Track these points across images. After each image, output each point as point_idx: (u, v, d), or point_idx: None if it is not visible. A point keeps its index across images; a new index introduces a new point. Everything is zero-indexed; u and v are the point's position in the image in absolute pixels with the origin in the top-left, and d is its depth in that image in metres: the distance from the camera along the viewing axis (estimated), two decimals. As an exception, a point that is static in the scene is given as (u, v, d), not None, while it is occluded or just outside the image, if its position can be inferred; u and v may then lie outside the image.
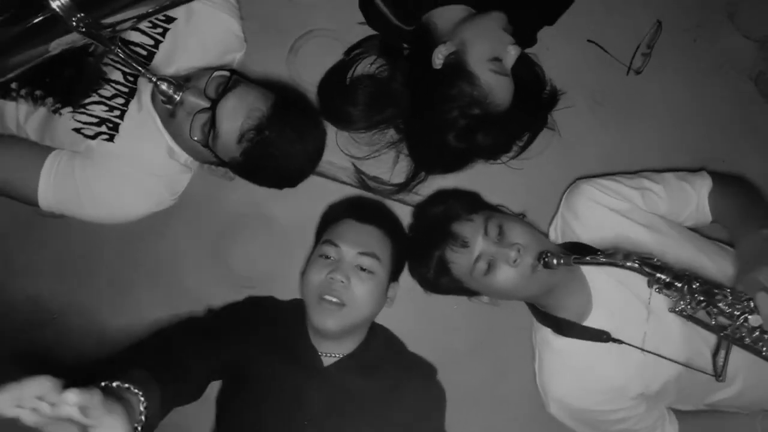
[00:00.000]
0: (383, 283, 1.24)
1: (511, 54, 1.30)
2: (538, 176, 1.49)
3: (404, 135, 1.44)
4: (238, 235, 1.46)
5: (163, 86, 1.12)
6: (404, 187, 1.46)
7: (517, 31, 1.42)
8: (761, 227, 1.12)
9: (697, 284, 0.96)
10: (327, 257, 1.23)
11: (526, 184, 1.49)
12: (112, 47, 1.02)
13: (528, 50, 1.50)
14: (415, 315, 1.44)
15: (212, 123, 1.15)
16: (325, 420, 1.19)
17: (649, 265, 0.98)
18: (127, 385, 0.78)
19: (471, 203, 1.32)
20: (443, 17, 1.41)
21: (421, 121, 1.38)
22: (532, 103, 1.44)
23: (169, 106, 1.15)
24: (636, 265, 0.98)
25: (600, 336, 1.20)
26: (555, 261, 1.13)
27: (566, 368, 1.26)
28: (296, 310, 1.28)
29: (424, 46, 1.38)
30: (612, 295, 1.24)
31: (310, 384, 1.21)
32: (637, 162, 1.49)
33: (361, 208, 1.34)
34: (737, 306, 0.94)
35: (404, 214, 1.47)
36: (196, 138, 1.16)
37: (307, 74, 1.50)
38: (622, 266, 1.00)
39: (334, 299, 1.18)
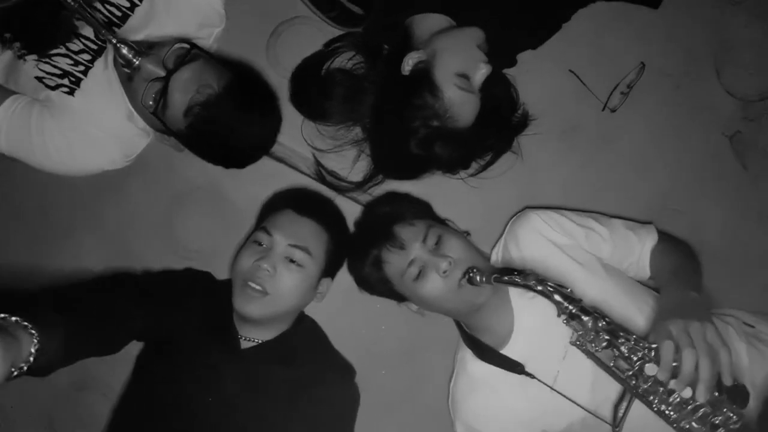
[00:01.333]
0: (312, 278, 1.25)
1: (480, 72, 1.30)
2: (493, 198, 1.49)
3: (368, 135, 1.45)
4: (189, 207, 1.49)
5: (124, 50, 1.15)
6: (360, 186, 1.47)
7: (497, 51, 1.43)
8: (690, 290, 1.11)
9: (604, 323, 0.96)
10: (259, 244, 1.24)
11: (480, 203, 1.50)
12: (74, 3, 1.04)
13: (506, 71, 1.51)
14: (349, 314, 1.45)
15: (164, 93, 1.16)
16: (233, 401, 1.21)
17: (560, 293, 0.98)
18: (25, 323, 0.79)
19: (418, 210, 1.33)
20: (423, 24, 1.41)
21: (385, 123, 1.39)
22: (500, 124, 1.45)
23: (127, 70, 1.17)
24: (546, 291, 0.98)
25: (514, 367, 1.21)
26: (479, 278, 1.14)
27: (477, 393, 1.27)
28: (228, 290, 1.30)
29: (400, 50, 1.39)
30: (534, 328, 1.24)
31: (225, 364, 1.23)
32: (595, 198, 1.49)
33: (303, 201, 1.34)
34: (638, 352, 0.94)
35: (354, 211, 1.48)
36: (146, 104, 1.18)
37: (286, 60, 1.50)
38: (533, 289, 1.00)
39: (258, 287, 1.19)
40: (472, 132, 1.36)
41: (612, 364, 0.96)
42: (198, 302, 1.29)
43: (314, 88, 1.47)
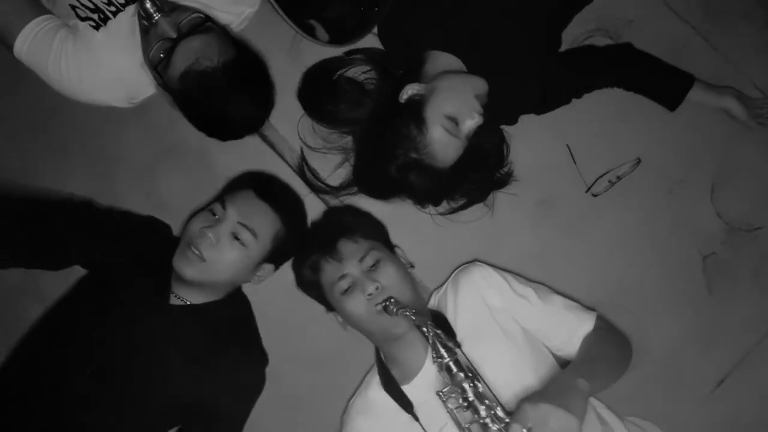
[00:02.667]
0: (252, 259, 1.31)
1: (470, 121, 1.34)
2: (454, 241, 1.52)
3: (356, 147, 1.51)
4: (178, 165, 1.55)
5: (147, 4, 1.23)
6: (334, 191, 1.52)
7: (499, 106, 1.46)
8: (584, 378, 1.12)
9: (473, 385, 0.98)
10: (213, 214, 1.30)
11: (441, 242, 1.52)
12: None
13: (505, 127, 1.55)
14: (287, 307, 1.49)
15: (169, 54, 1.24)
16: (146, 348, 1.27)
17: (441, 342, 1.01)
18: None
19: (369, 230, 1.36)
20: (436, 61, 1.46)
21: (371, 141, 1.44)
22: (482, 175, 1.48)
23: (145, 23, 1.26)
24: (429, 334, 1.02)
25: (406, 405, 1.23)
26: (392, 308, 1.17)
27: (367, 417, 1.29)
28: (176, 247, 1.36)
29: (407, 78, 1.44)
30: (439, 375, 1.25)
31: (150, 314, 1.30)
32: (551, 272, 1.48)
33: (268, 186, 1.39)
34: (495, 424, 0.96)
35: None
36: (152, 60, 1.26)
37: (306, 57, 1.57)
38: (419, 328, 1.03)
39: (197, 252, 1.25)
40: (451, 173, 1.41)
41: (467, 427, 0.98)
42: (147, 249, 1.37)
43: (322, 89, 1.54)
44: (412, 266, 1.42)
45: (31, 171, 1.56)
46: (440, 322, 1.30)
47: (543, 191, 1.55)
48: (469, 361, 1.05)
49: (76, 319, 1.30)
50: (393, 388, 1.26)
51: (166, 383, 1.27)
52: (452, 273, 1.42)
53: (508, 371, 1.23)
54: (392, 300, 1.19)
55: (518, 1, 1.41)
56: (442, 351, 1.00)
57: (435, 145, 1.33)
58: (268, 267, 1.37)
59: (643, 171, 1.53)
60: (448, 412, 1.00)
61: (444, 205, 1.50)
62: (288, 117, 1.54)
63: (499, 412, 0.97)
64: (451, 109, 1.33)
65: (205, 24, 1.27)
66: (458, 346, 1.05)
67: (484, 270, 1.35)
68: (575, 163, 1.53)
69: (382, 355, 1.35)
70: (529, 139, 1.53)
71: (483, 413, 0.97)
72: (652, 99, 1.52)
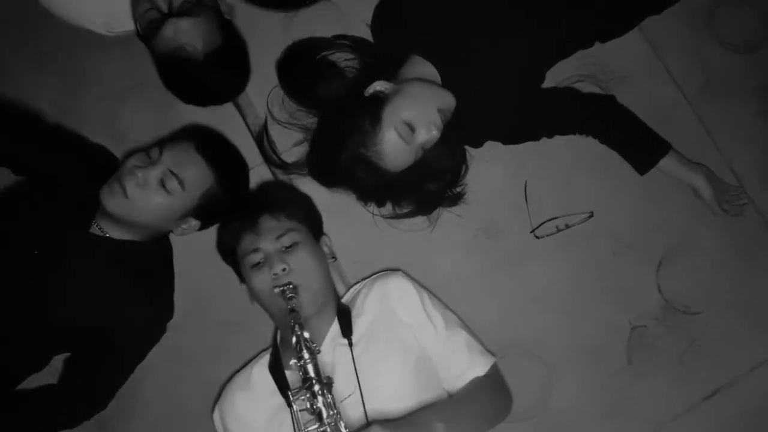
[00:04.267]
0: (175, 209, 1.29)
1: (426, 132, 1.33)
2: (388, 245, 1.50)
3: (314, 129, 1.51)
4: (144, 97, 1.54)
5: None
6: (286, 166, 1.52)
7: (466, 126, 1.45)
8: (445, 422, 1.12)
9: (323, 393, 0.98)
10: (148, 156, 1.29)
11: (375, 243, 1.51)
12: None
13: (468, 148, 1.53)
14: (209, 268, 1.49)
15: (156, 27, 1.29)
16: (54, 268, 1.28)
17: (306, 343, 1.01)
18: None
19: (297, 211, 1.35)
20: (414, 66, 1.45)
21: (328, 125, 1.44)
22: (434, 189, 1.47)
23: None
24: (297, 333, 1.01)
25: (283, 387, 1.21)
26: (288, 294, 1.18)
27: (245, 393, 1.29)
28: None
29: (381, 73, 1.44)
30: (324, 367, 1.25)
31: (68, 237, 1.30)
32: (471, 301, 1.46)
33: (210, 142, 1.37)
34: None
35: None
36: (139, 25, 1.32)
37: (296, 31, 1.57)
38: (292, 327, 1.03)
39: (122, 187, 1.24)
40: (401, 178, 1.40)
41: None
42: (82, 173, 1.38)
43: (301, 65, 1.54)
44: (334, 258, 1.42)
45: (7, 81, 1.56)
46: (344, 315, 1.30)
47: (488, 220, 1.52)
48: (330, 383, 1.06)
49: None
50: (277, 370, 1.26)
51: (63, 306, 1.28)
52: (373, 275, 1.41)
53: (391, 384, 1.22)
54: (290, 286, 1.18)
55: (509, 30, 1.39)
56: (305, 352, 1.00)
57: (385, 146, 1.32)
58: (194, 222, 1.37)
59: (593, 226, 1.51)
60: (291, 412, 1.00)
61: (388, 209, 1.50)
62: (262, 84, 1.54)
63: (342, 428, 0.98)
64: (408, 116, 1.32)
65: (197, 6, 1.29)
66: (318, 353, 1.05)
67: (402, 282, 1.34)
68: (527, 200, 1.51)
69: (278, 336, 1.35)
70: (488, 165, 1.52)
71: (325, 422, 0.97)
72: (624, 157, 1.48)
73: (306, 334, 1.03)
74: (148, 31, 1.31)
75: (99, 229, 1.34)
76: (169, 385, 1.45)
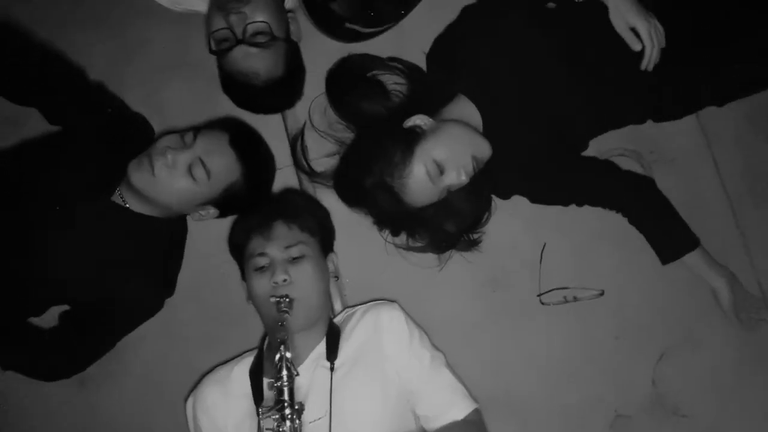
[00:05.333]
0: (197, 196, 1.33)
1: (454, 176, 1.33)
2: (393, 275, 1.50)
3: (348, 145, 1.51)
4: (192, 76, 1.58)
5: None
6: (313, 174, 1.53)
7: (496, 177, 1.44)
8: None
9: (293, 418, 1.00)
10: (182, 138, 1.32)
11: (380, 269, 1.51)
12: None
13: (497, 198, 1.51)
14: (219, 257, 1.51)
15: (226, 50, 1.36)
16: (64, 226, 1.31)
17: (287, 366, 1.02)
18: None
19: (312, 224, 1.35)
20: (459, 106, 1.44)
21: (362, 147, 1.45)
22: (451, 230, 1.46)
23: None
24: (281, 352, 1.03)
25: (257, 396, 1.23)
26: (282, 307, 1.19)
27: (221, 388, 1.30)
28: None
29: (424, 108, 1.43)
30: (303, 384, 1.26)
31: (87, 198, 1.33)
32: (465, 347, 1.45)
33: (244, 138, 1.39)
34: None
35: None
36: (212, 41, 1.37)
37: (354, 46, 1.58)
38: (278, 344, 1.05)
39: (151, 165, 1.27)
40: (421, 212, 1.40)
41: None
42: (117, 137, 1.41)
43: (350, 78, 1.55)
44: (337, 277, 1.43)
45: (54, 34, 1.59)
46: (333, 337, 1.31)
47: (498, 272, 1.51)
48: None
49: (25, 166, 1.37)
50: (256, 377, 1.27)
51: (69, 264, 1.31)
52: (370, 301, 1.42)
53: (362, 414, 1.22)
54: (287, 300, 1.20)
55: (562, 93, 1.38)
56: (284, 372, 1.02)
57: (410, 181, 1.32)
58: (213, 211, 1.40)
59: (601, 304, 1.48)
60: (258, 427, 1.02)
61: (401, 239, 1.50)
62: (308, 90, 1.55)
63: None
64: (440, 156, 1.32)
65: (267, 42, 1.34)
66: (297, 375, 1.06)
67: (395, 314, 1.33)
68: (541, 263, 1.49)
69: (265, 342, 1.36)
70: (511, 218, 1.50)
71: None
72: (649, 243, 1.45)
73: (289, 355, 1.04)
74: (218, 50, 1.37)
75: (121, 198, 1.37)
76: (155, 360, 1.49)
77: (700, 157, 1.55)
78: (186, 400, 1.35)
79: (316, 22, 1.55)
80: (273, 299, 1.21)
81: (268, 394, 1.22)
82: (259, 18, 1.34)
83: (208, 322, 1.50)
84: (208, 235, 1.49)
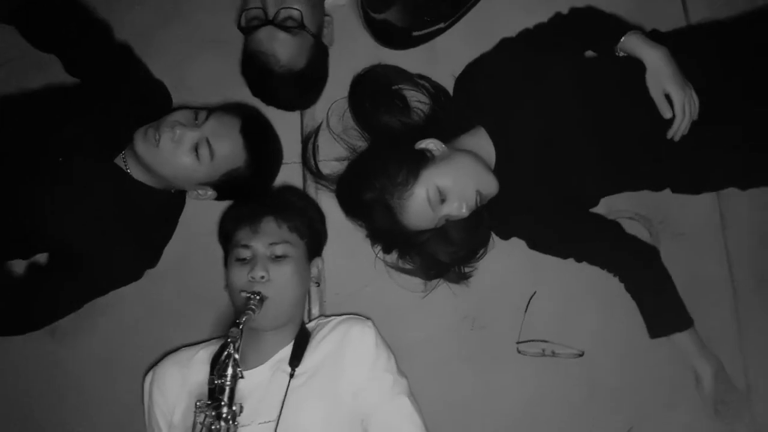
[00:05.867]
0: (197, 175, 1.33)
1: (453, 207, 1.31)
2: (377, 290, 1.49)
3: (357, 155, 1.50)
4: (218, 54, 1.56)
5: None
6: (318, 175, 1.52)
7: (498, 216, 1.43)
8: None
9: (226, 419, 1.00)
10: (195, 116, 1.33)
11: (365, 281, 1.49)
12: None
13: (495, 236, 1.49)
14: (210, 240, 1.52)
15: (254, 28, 1.36)
16: (66, 180, 1.32)
17: (233, 365, 1.01)
18: None
19: (302, 227, 1.33)
20: (475, 138, 1.43)
21: (369, 160, 1.43)
22: (443, 260, 1.44)
23: None
24: (229, 350, 1.03)
25: (211, 386, 1.17)
26: (251, 304, 1.18)
27: (179, 371, 1.30)
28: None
29: (439, 133, 1.41)
30: (262, 382, 1.24)
31: (89, 155, 1.34)
32: (430, 376, 1.43)
33: (255, 127, 1.40)
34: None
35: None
36: (243, 18, 1.38)
37: (384, 56, 1.56)
38: (227, 341, 1.04)
39: (157, 136, 1.28)
40: (416, 236, 1.38)
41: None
42: (132, 99, 1.41)
43: (375, 86, 1.53)
44: (318, 283, 1.42)
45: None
46: (301, 343, 1.30)
47: (481, 311, 1.48)
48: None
49: (38, 112, 1.38)
50: (222, 369, 1.22)
51: (59, 216, 1.31)
52: (347, 314, 1.40)
53: (310, 426, 1.21)
54: (258, 297, 1.19)
55: (580, 149, 1.35)
56: (229, 371, 1.01)
57: (410, 203, 1.30)
58: (211, 192, 1.39)
59: (579, 364, 1.44)
60: (194, 419, 1.01)
61: (392, 257, 1.48)
62: (332, 91, 1.54)
63: None
64: (445, 185, 1.30)
65: (295, 29, 1.34)
66: (241, 377, 1.05)
67: (366, 332, 1.31)
68: (526, 311, 1.46)
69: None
70: (506, 260, 1.47)
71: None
72: (641, 313, 1.40)
73: (237, 356, 1.03)
74: (247, 27, 1.37)
75: (123, 162, 1.38)
76: (125, 328, 1.49)
77: (712, 237, 1.51)
78: (145, 374, 1.35)
79: (377, 36, 1.55)
80: (244, 294, 1.20)
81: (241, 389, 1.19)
82: (294, 5, 1.34)
83: (184, 301, 1.49)
84: (202, 215, 1.49)
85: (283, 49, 1.36)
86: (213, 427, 0.99)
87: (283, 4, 1.33)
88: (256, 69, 1.40)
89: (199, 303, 1.49)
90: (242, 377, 1.05)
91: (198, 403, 1.02)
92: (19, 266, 1.46)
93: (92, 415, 1.45)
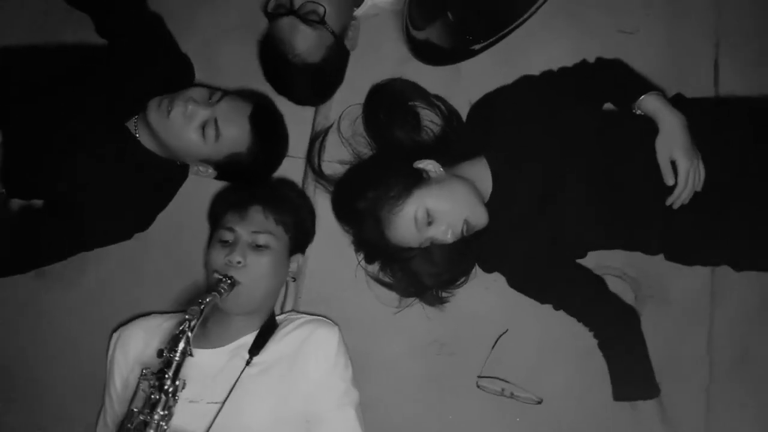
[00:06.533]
0: (200, 152, 1.36)
1: (438, 231, 1.32)
2: (352, 296, 1.50)
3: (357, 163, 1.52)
4: (248, 39, 1.57)
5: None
6: (318, 174, 1.53)
7: (489, 254, 1.43)
8: None
9: (167, 392, 1.04)
10: (209, 97, 1.36)
11: (343, 285, 1.50)
12: None
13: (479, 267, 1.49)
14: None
15: (277, 15, 1.38)
16: (75, 133, 1.37)
17: (186, 342, 1.04)
18: None
19: (288, 221, 1.35)
20: (477, 167, 1.42)
21: (366, 170, 1.46)
22: (423, 281, 1.44)
23: None
24: (185, 327, 1.06)
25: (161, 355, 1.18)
26: (221, 287, 1.20)
27: (144, 337, 1.33)
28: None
29: (442, 156, 1.42)
30: (216, 366, 1.27)
31: (101, 114, 1.38)
32: (390, 393, 1.44)
33: (265, 117, 1.42)
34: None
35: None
36: (269, 5, 1.40)
37: (407, 71, 1.57)
38: (186, 315, 1.08)
39: (169, 107, 1.32)
40: (400, 252, 1.39)
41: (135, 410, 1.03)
42: (156, 67, 1.45)
43: (390, 99, 1.54)
44: (294, 279, 1.44)
45: None
46: (266, 332, 1.32)
47: (450, 337, 1.49)
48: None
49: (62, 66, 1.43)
50: (174, 340, 1.25)
51: (60, 165, 1.36)
52: (317, 315, 1.42)
53: (253, 417, 1.22)
54: (229, 282, 1.21)
55: (580, 205, 1.34)
56: (180, 346, 1.03)
57: (397, 219, 1.32)
58: (211, 171, 1.43)
59: (535, 412, 1.43)
60: (137, 386, 1.05)
61: (374, 268, 1.49)
62: (349, 94, 1.56)
63: (166, 430, 1.02)
64: (434, 208, 1.31)
65: (317, 22, 1.36)
66: (191, 356, 1.07)
67: (331, 337, 1.33)
68: (493, 347, 1.45)
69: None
70: (484, 292, 1.48)
71: (153, 416, 1.00)
72: (609, 374, 1.37)
73: (190, 334, 1.05)
74: (272, 13, 1.40)
75: (135, 126, 1.42)
76: (107, 284, 1.52)
77: (699, 313, 1.48)
78: (113, 331, 1.39)
79: (416, 52, 1.55)
80: (216, 276, 1.23)
81: (195, 364, 1.19)
82: (320, 0, 1.36)
83: (166, 269, 1.53)
84: (201, 191, 1.52)
85: (301, 40, 1.37)
86: (152, 397, 1.01)
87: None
88: (271, 55, 1.43)
89: (181, 274, 1.52)
90: (192, 355, 1.06)
91: (144, 371, 1.05)
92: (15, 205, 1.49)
93: (57, 358, 1.49)
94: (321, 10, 1.36)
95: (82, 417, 1.41)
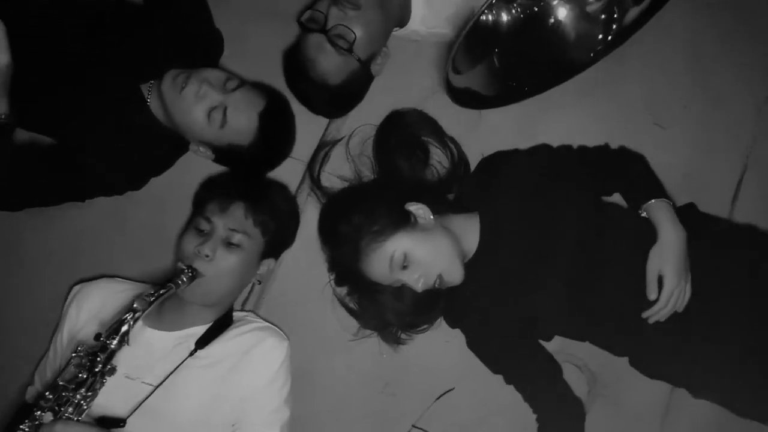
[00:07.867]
0: (202, 133, 1.37)
1: (411, 278, 1.31)
2: (314, 313, 1.49)
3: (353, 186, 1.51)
4: (277, 27, 1.56)
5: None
6: (315, 184, 1.52)
7: (457, 315, 1.42)
8: None
9: (95, 375, 1.04)
10: (229, 78, 1.37)
11: (307, 298, 1.50)
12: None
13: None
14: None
15: (309, 30, 1.37)
16: (91, 87, 1.37)
17: (126, 331, 1.05)
18: None
19: (268, 224, 1.33)
20: (467, 224, 1.41)
21: (357, 195, 1.45)
22: (387, 317, 1.43)
23: None
24: (128, 317, 1.06)
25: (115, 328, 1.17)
26: (182, 277, 1.20)
27: (106, 297, 1.35)
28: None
29: (436, 204, 1.40)
30: (165, 348, 1.28)
31: (122, 76, 1.40)
32: (308, 412, 1.43)
33: (279, 106, 1.44)
34: (67, 406, 1.03)
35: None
36: (303, 15, 1.40)
37: (430, 107, 1.55)
38: (133, 307, 1.08)
39: (183, 84, 1.32)
40: (372, 284, 1.37)
41: (62, 384, 1.04)
42: (183, 41, 1.45)
43: (405, 129, 1.52)
44: (259, 282, 1.44)
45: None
46: (218, 327, 1.32)
47: (397, 378, 1.48)
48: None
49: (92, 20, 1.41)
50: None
51: (68, 110, 1.37)
52: (270, 324, 1.41)
53: (181, 409, 1.23)
54: (190, 275, 1.21)
55: (557, 289, 1.31)
56: (119, 335, 1.04)
57: (374, 255, 1.31)
58: (209, 153, 1.43)
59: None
60: (68, 360, 1.06)
61: (342, 291, 1.48)
62: (368, 113, 1.54)
63: (83, 408, 1.03)
64: (412, 254, 1.29)
65: (342, 48, 1.35)
66: (127, 345, 1.08)
67: (278, 350, 1.33)
68: (436, 400, 1.45)
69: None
70: (442, 345, 1.46)
71: (77, 396, 1.02)
72: None
73: (133, 323, 1.05)
74: (304, 25, 1.39)
75: (148, 91, 1.42)
76: (87, 235, 1.52)
77: (648, 425, 1.45)
78: (74, 284, 1.41)
79: (453, 96, 1.47)
80: (180, 265, 1.23)
81: (137, 337, 1.21)
82: (354, 27, 1.35)
83: (147, 236, 1.52)
84: (203, 169, 1.51)
85: (325, 61, 1.37)
86: (80, 375, 1.02)
87: (344, 21, 1.33)
88: (294, 65, 1.43)
89: (161, 244, 1.51)
90: (128, 344, 1.07)
91: (79, 348, 1.06)
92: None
93: (19, 299, 1.51)
94: (351, 36, 1.34)
95: (32, 360, 1.42)
